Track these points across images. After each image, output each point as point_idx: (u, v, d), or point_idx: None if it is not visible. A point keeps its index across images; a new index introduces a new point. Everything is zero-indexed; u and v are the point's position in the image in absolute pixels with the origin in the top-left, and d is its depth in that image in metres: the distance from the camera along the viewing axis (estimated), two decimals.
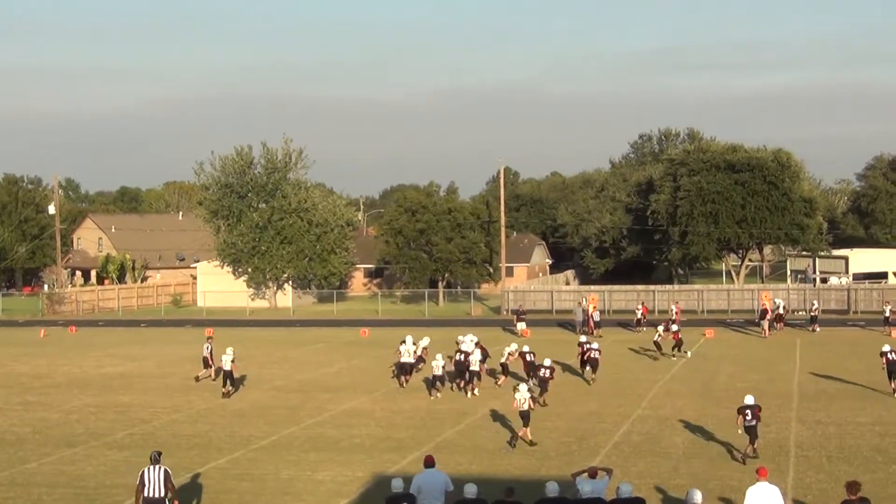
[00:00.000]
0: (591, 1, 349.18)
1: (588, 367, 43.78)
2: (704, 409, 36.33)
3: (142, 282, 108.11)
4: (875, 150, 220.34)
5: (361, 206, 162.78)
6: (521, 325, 63.92)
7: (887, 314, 62.54)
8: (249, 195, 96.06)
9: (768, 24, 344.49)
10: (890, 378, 38.71)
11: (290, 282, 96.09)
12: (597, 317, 64.52)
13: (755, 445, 28.64)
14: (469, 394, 40.75)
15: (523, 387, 32.33)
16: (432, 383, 41.21)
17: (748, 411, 28.66)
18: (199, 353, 46.29)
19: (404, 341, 44.11)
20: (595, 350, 43.93)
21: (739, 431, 28.88)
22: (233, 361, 41.72)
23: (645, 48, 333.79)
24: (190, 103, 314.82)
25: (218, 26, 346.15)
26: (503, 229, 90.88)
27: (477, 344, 43.20)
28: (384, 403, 38.94)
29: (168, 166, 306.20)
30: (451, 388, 41.83)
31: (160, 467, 21.30)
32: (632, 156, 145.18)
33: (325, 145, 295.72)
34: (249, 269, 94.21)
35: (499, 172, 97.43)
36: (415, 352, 44.57)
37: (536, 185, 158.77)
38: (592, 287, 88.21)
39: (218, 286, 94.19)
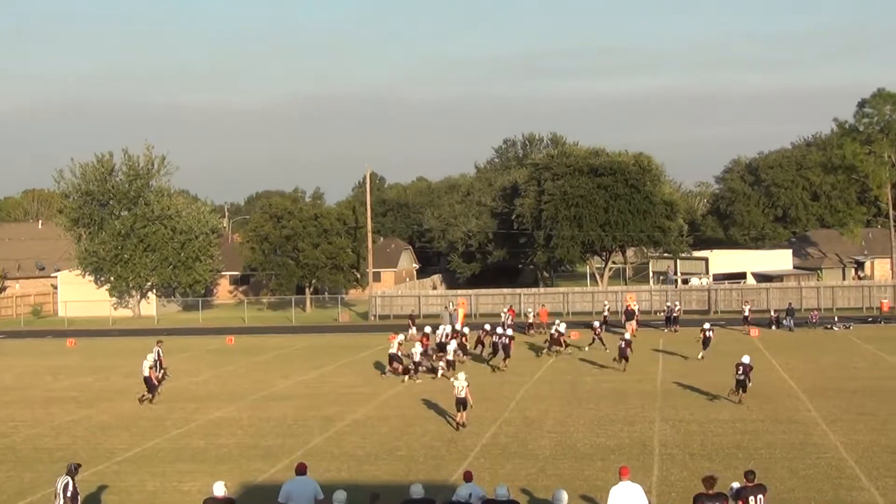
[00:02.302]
0: (457, 5, 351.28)
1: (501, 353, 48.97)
2: (571, 411, 36.78)
3: (0, 292, 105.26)
4: (733, 153, 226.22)
5: (226, 213, 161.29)
6: (412, 330, 63.93)
7: (746, 313, 64.18)
8: (111, 203, 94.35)
9: (628, 30, 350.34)
10: (704, 347, 50.05)
11: (154, 290, 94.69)
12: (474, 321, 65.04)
13: (739, 395, 36.98)
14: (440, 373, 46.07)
15: (461, 375, 35.20)
16: (415, 369, 45.43)
17: (740, 367, 37.19)
18: (60, 364, 45.26)
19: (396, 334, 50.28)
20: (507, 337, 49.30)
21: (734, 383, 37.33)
22: (151, 367, 41.32)
23: (509, 53, 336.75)
24: (48, 109, 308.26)
25: (75, 31, 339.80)
26: (370, 234, 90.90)
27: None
28: (251, 412, 38.61)
29: (26, 174, 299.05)
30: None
31: (64, 479, 21.50)
32: (497, 160, 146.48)
33: (188, 152, 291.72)
34: (112, 278, 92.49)
35: (365, 178, 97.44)
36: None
37: (402, 190, 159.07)
38: (459, 291, 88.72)
39: (80, 295, 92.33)
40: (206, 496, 20.33)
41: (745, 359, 37.88)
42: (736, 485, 19.43)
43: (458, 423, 34.10)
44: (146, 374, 41.16)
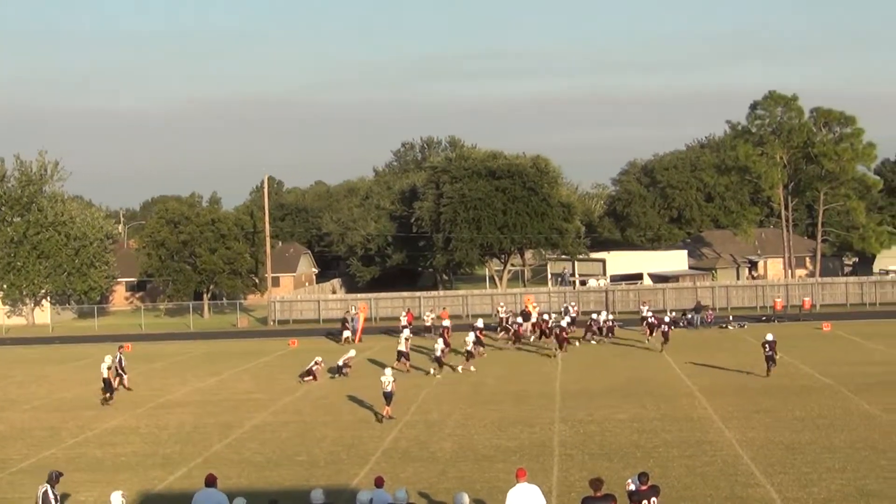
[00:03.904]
0: (353, 9, 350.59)
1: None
2: (472, 413, 36.90)
3: None
4: (629, 155, 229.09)
5: (122, 219, 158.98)
6: (346, 333, 63.59)
7: (645, 314, 64.73)
8: (3, 209, 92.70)
9: (526, 33, 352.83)
10: (651, 332, 55.42)
11: (49, 298, 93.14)
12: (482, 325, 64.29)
13: (770, 370, 42.58)
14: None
15: (388, 371, 37.25)
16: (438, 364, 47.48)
17: (767, 345, 42.88)
18: None
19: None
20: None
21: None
22: (109, 368, 42.59)
23: (406, 56, 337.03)
24: None
25: None
26: (268, 239, 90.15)
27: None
28: (149, 419, 38.15)
29: None
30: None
31: (43, 486, 21.63)
32: (395, 164, 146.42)
33: (82, 157, 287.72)
34: (5, 286, 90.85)
35: (263, 182, 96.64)
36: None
37: (301, 194, 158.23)
38: (359, 295, 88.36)
39: None
40: None
41: (769, 336, 43.41)
42: (631, 483, 19.63)
43: (383, 416, 35.91)
44: (105, 375, 42.37)
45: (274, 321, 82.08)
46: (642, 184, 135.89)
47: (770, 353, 42.81)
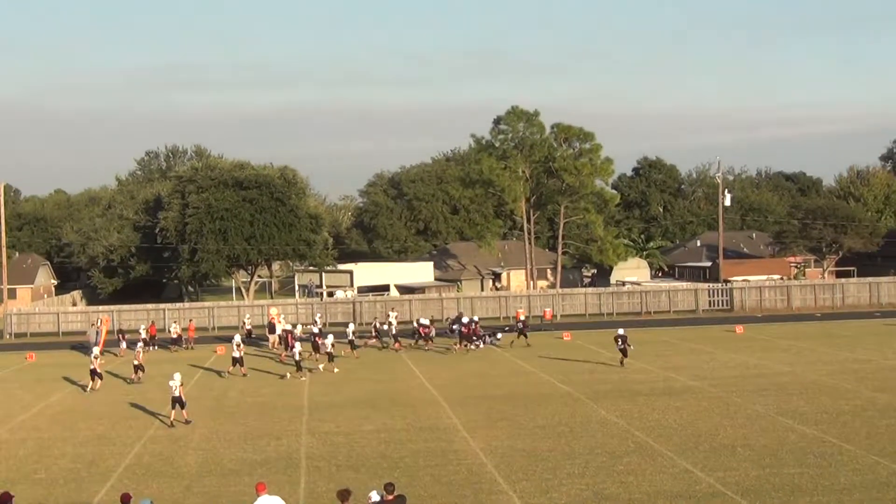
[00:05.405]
0: (94, 14, 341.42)
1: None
2: (217, 426, 36.42)
3: None
4: (376, 168, 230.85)
5: None
6: (123, 345, 61.55)
7: (392, 320, 65.08)
8: None
9: (272, 43, 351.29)
10: (520, 333, 60.61)
11: None
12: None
13: (623, 360, 48.14)
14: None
15: (177, 376, 37.51)
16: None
17: (619, 339, 48.47)
18: None
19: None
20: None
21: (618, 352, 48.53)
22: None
23: (149, 64, 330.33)
24: None
25: None
26: (3, 250, 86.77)
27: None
28: None
29: None
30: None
31: None
32: (139, 173, 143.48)
33: None
34: None
35: None
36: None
37: (40, 204, 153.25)
38: (101, 307, 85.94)
39: None
40: None
41: (620, 331, 49.39)
42: (374, 495, 19.75)
43: (172, 421, 36.56)
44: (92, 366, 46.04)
45: (10, 335, 79.04)
46: (389, 196, 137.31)
47: (623, 346, 48.22)
